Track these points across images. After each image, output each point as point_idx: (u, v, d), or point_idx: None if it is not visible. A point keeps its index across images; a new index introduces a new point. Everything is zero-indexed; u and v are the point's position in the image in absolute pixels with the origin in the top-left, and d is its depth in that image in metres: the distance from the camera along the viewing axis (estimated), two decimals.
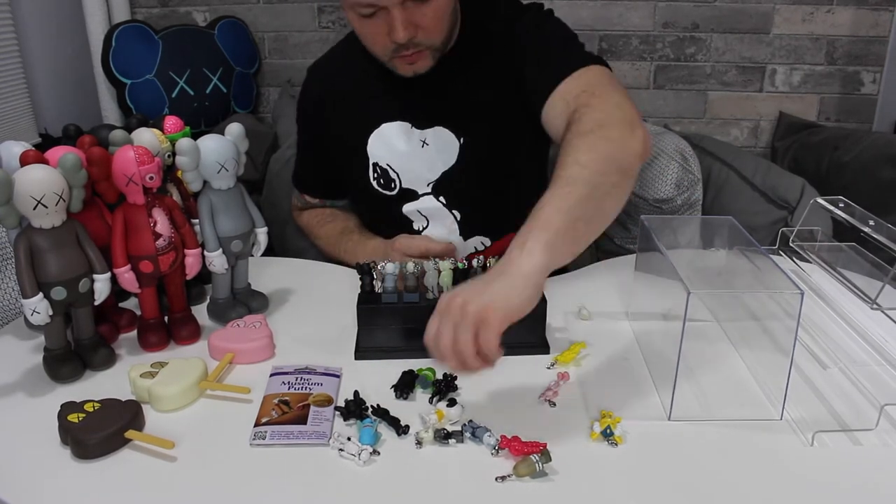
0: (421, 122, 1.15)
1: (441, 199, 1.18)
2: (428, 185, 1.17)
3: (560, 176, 0.81)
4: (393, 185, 1.18)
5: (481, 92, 1.14)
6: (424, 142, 1.15)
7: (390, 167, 1.18)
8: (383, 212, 1.22)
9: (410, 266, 0.90)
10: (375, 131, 1.17)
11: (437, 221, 1.20)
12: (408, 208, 1.19)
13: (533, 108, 1.05)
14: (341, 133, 1.21)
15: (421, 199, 1.18)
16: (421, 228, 1.20)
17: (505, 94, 1.12)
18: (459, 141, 1.14)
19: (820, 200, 1.04)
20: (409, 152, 1.16)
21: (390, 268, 0.91)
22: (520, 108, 1.10)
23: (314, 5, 2.09)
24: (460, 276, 0.91)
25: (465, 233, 1.20)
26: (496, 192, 1.19)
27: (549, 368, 0.89)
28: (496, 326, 0.71)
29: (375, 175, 1.19)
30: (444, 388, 0.83)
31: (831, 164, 1.73)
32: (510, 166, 1.18)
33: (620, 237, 1.60)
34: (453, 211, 1.18)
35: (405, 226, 1.21)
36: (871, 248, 0.95)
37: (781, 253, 1.09)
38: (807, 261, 1.05)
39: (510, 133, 1.16)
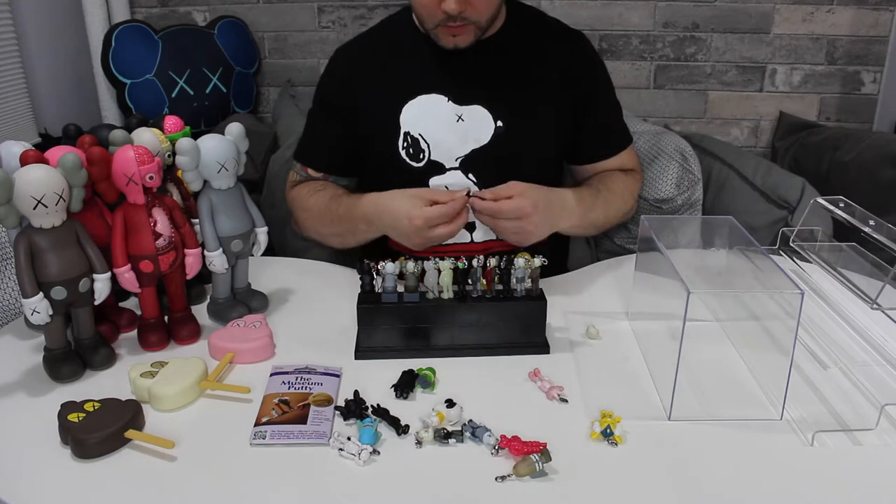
0: (459, 98, 1.18)
1: (471, 176, 1.19)
2: (456, 161, 1.19)
3: (607, 188, 1.23)
4: (422, 157, 1.20)
5: (523, 81, 1.20)
6: (460, 117, 1.18)
7: (422, 137, 1.19)
8: (407, 183, 1.18)
9: (410, 266, 0.90)
10: (411, 101, 1.19)
11: None
12: (435, 181, 1.20)
13: (574, 148, 1.29)
14: (371, 104, 1.22)
15: (447, 173, 1.19)
16: None
17: (548, 96, 1.21)
18: (496, 123, 1.18)
19: (820, 200, 1.04)
20: (443, 124, 1.18)
21: (390, 268, 0.91)
22: (556, 119, 1.22)
23: (314, 5, 2.09)
24: (460, 275, 0.91)
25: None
26: (523, 180, 1.19)
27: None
28: (534, 234, 1.08)
29: (405, 145, 1.20)
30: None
31: (831, 164, 1.73)
32: (539, 159, 1.23)
33: (620, 237, 1.60)
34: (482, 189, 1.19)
35: None
36: (871, 248, 0.95)
37: (782, 253, 1.09)
38: (807, 261, 1.05)
39: (545, 130, 1.23)
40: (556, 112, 1.22)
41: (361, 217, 1.15)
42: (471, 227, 1.21)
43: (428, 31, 1.14)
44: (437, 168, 1.19)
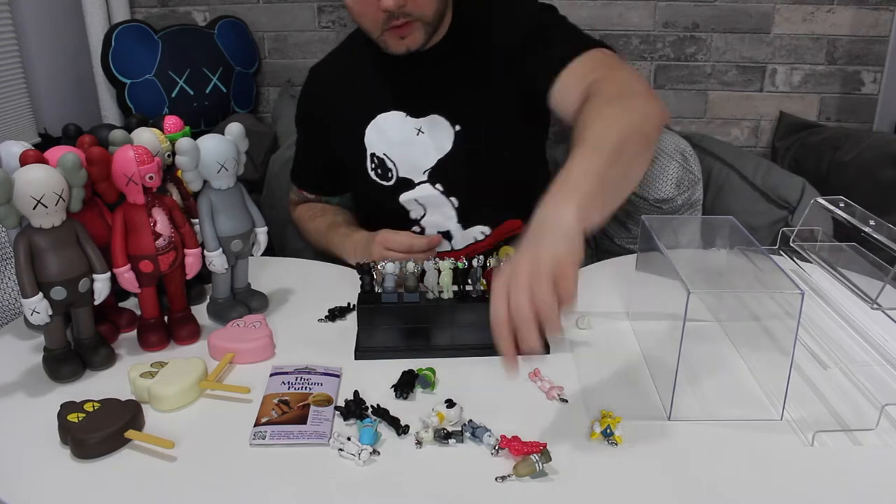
0: (415, 111, 1.17)
1: (438, 186, 1.18)
2: (424, 173, 1.18)
3: (586, 139, 0.80)
4: (390, 175, 1.19)
5: (475, 79, 1.15)
6: (420, 130, 1.17)
7: (387, 156, 1.19)
8: (381, 203, 1.22)
9: (410, 266, 0.90)
10: (372, 122, 1.19)
11: (434, 209, 1.20)
12: (405, 197, 1.20)
13: (537, 87, 1.05)
14: (341, 127, 1.23)
15: (417, 187, 1.19)
16: (419, 217, 1.21)
17: (500, 80, 1.13)
18: (454, 128, 1.16)
19: (820, 200, 1.04)
20: (404, 141, 1.17)
21: (390, 268, 0.91)
22: (516, 94, 1.12)
23: (314, 5, 2.09)
24: (460, 275, 0.91)
25: (464, 220, 1.21)
26: (494, 179, 1.19)
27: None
28: (573, 272, 0.68)
29: (373, 165, 1.20)
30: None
31: (832, 164, 1.73)
32: (507, 152, 1.19)
33: (620, 237, 1.60)
34: (451, 198, 1.19)
35: (403, 216, 1.22)
36: (871, 248, 0.95)
37: (782, 253, 1.09)
38: (807, 261, 1.05)
39: (506, 119, 1.16)
40: (512, 96, 1.13)
41: (351, 250, 1.19)
42: (448, 236, 1.22)
43: (377, 40, 1.10)
44: (407, 184, 1.20)
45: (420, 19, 1.06)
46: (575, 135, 0.84)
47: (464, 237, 1.21)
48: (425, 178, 1.19)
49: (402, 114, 1.17)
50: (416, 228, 1.23)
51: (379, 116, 1.18)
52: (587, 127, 0.83)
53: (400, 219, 1.22)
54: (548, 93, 1.04)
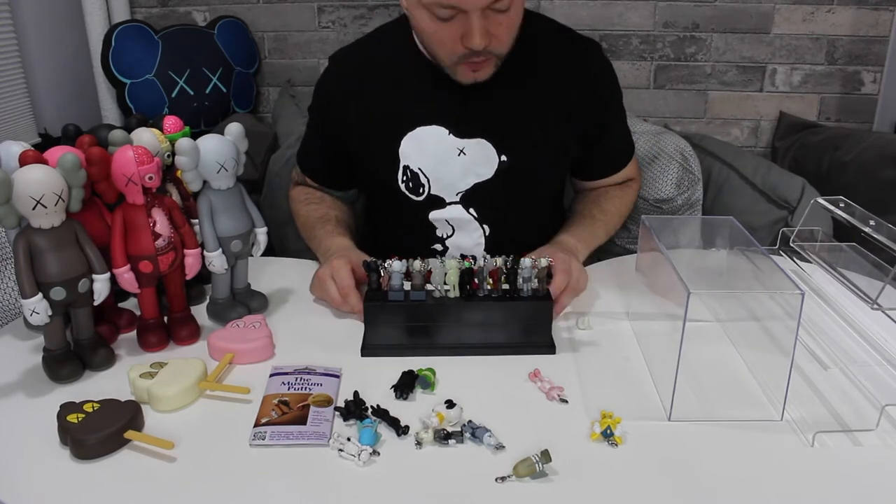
0: (461, 131, 1.13)
1: (472, 211, 1.17)
2: (457, 195, 1.16)
3: (603, 209, 1.24)
4: (421, 191, 1.16)
5: (531, 114, 1.14)
6: (462, 151, 1.13)
7: (422, 171, 1.15)
8: (408, 216, 1.19)
9: (417, 264, 0.90)
10: (410, 133, 1.14)
11: (464, 232, 1.19)
12: (435, 216, 1.18)
13: (584, 172, 1.27)
14: (368, 131, 1.17)
15: (448, 207, 1.17)
16: (445, 236, 1.20)
17: (558, 125, 1.15)
18: (500, 157, 1.13)
19: (820, 200, 1.04)
20: (443, 158, 1.14)
21: (397, 266, 0.91)
22: (567, 147, 1.18)
23: (314, 5, 2.09)
24: (466, 274, 0.91)
25: (491, 249, 1.20)
26: (527, 215, 1.19)
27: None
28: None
29: (405, 178, 1.16)
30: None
31: (832, 164, 1.73)
32: (544, 192, 1.20)
33: (620, 237, 1.59)
34: (483, 225, 1.18)
35: (428, 232, 1.19)
36: (871, 248, 0.95)
37: (782, 253, 1.09)
38: (807, 261, 1.05)
39: (552, 162, 1.19)
40: (564, 140, 1.17)
41: (323, 253, 1.14)
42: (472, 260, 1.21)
43: (444, 66, 1.07)
44: (438, 202, 1.17)
45: (497, 55, 1.05)
46: (589, 202, 1.25)
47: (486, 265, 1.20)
48: (457, 199, 1.16)
49: (444, 130, 1.13)
50: (438, 246, 1.20)
51: (419, 129, 1.14)
52: (597, 205, 1.24)
53: (426, 234, 1.20)
54: (583, 179, 1.29)
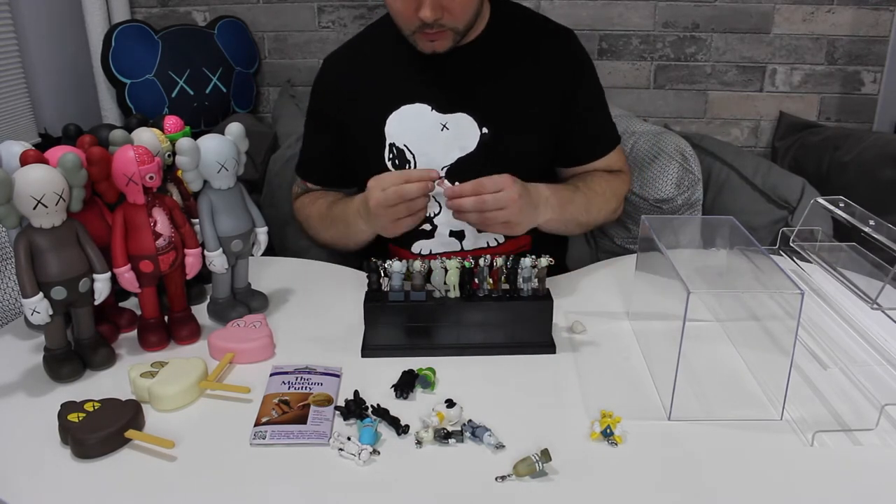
0: (443, 106, 1.17)
1: (457, 183, 1.17)
2: (442, 170, 1.18)
3: (587, 184, 1.21)
4: (408, 167, 1.19)
5: (511, 87, 1.17)
6: (445, 126, 1.16)
7: (407, 147, 1.18)
8: None
9: (417, 265, 0.90)
10: (395, 112, 1.18)
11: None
12: None
13: (564, 157, 1.26)
14: (360, 115, 1.21)
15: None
16: (433, 214, 1.21)
17: (539, 100, 1.18)
18: (482, 130, 1.16)
19: (820, 200, 1.04)
20: (427, 134, 1.17)
21: (397, 266, 0.91)
22: (549, 123, 1.20)
23: (314, 5, 2.09)
24: (466, 274, 0.92)
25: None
26: None
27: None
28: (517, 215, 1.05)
29: (391, 156, 1.19)
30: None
31: (832, 164, 1.73)
32: (528, 164, 1.20)
33: (621, 237, 1.60)
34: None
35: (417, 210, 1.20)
36: (871, 248, 0.95)
37: (782, 253, 1.09)
38: (807, 261, 1.05)
39: (533, 134, 1.20)
40: (543, 114, 1.20)
41: (355, 212, 1.16)
42: (460, 236, 1.21)
43: (406, 36, 1.12)
44: None
45: (452, 29, 1.09)
46: (576, 178, 1.24)
47: (476, 240, 1.20)
48: (443, 174, 1.18)
49: (427, 107, 1.17)
50: (426, 226, 1.22)
51: (403, 107, 1.18)
52: (582, 180, 1.23)
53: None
54: (564, 166, 1.29)
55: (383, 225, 1.08)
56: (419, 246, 1.23)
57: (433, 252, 1.22)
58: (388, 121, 1.18)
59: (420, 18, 1.04)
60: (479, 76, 1.17)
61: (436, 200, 1.20)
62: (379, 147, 1.19)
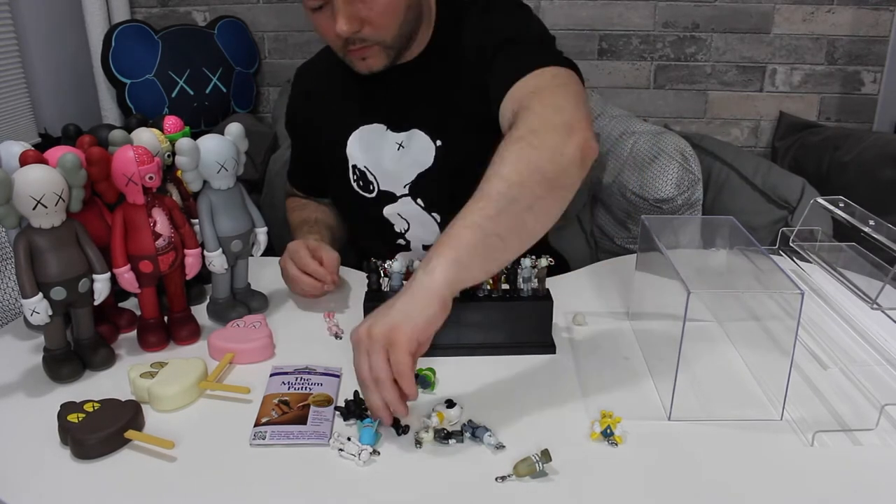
0: (397, 125, 1.15)
1: (419, 201, 1.17)
2: (405, 187, 1.17)
3: (480, 189, 0.79)
4: (371, 188, 1.18)
5: (455, 94, 1.11)
6: (401, 144, 1.15)
7: (367, 169, 1.17)
8: (364, 214, 1.21)
9: (417, 265, 0.90)
10: (354, 133, 1.17)
11: (417, 224, 1.19)
12: (388, 211, 1.19)
13: (491, 106, 1.00)
14: (323, 134, 1.22)
15: (399, 201, 1.18)
16: (403, 231, 1.20)
17: (478, 94, 1.04)
18: (435, 144, 1.13)
19: (820, 200, 1.04)
20: (385, 154, 1.16)
21: (397, 266, 0.91)
22: (490, 109, 1.02)
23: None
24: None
25: None
26: (472, 192, 1.16)
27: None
28: (404, 345, 0.71)
29: (355, 177, 1.19)
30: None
31: (832, 164, 1.73)
32: (484, 169, 1.11)
33: (621, 237, 1.60)
34: (432, 213, 1.18)
35: (386, 228, 1.21)
36: (871, 248, 0.95)
37: (782, 253, 1.09)
38: (807, 261, 1.05)
39: (487, 135, 0.98)
40: (490, 112, 1.01)
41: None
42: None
43: (342, 58, 1.07)
44: (389, 197, 1.18)
45: (379, 43, 1.03)
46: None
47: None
48: (406, 191, 1.17)
49: (383, 127, 1.16)
50: (401, 241, 1.21)
51: (362, 128, 1.17)
52: (487, 170, 0.80)
53: (385, 231, 1.21)
54: (498, 116, 0.99)
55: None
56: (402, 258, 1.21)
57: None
58: (349, 142, 1.18)
59: (336, 34, 0.98)
60: (424, 91, 1.12)
61: (401, 217, 1.19)
62: (343, 170, 1.19)
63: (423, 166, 1.14)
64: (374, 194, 1.19)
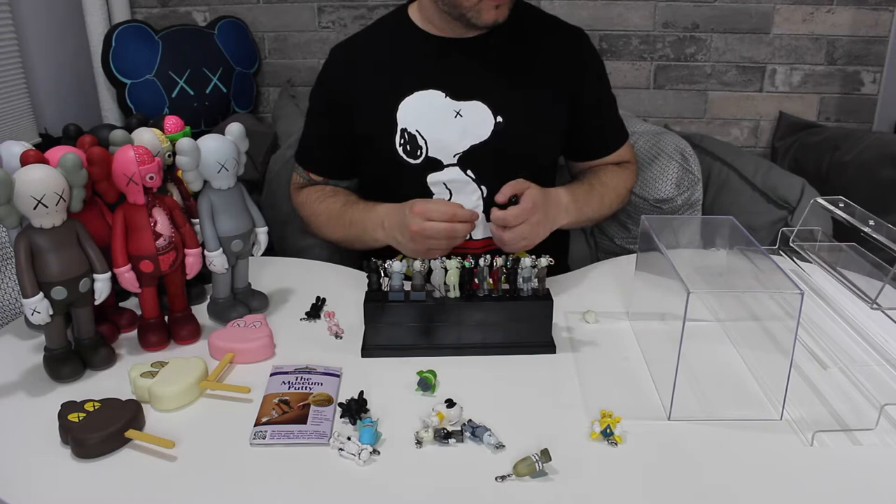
0: (457, 93, 1.17)
1: (469, 172, 1.19)
2: (454, 157, 1.18)
3: (594, 185, 1.26)
4: (419, 153, 1.19)
5: (526, 79, 1.20)
6: (458, 113, 1.17)
7: (419, 133, 1.18)
8: (406, 182, 1.20)
9: (417, 265, 0.91)
10: (407, 98, 1.18)
11: (462, 195, 1.20)
12: (433, 178, 1.19)
13: (577, 151, 1.31)
14: (369, 101, 1.21)
15: (445, 170, 1.19)
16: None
17: (552, 94, 1.21)
18: (496, 119, 1.17)
19: (820, 200, 1.04)
20: (440, 120, 1.17)
21: (397, 266, 0.91)
22: (561, 117, 1.24)
23: (314, 5, 2.09)
24: (466, 274, 0.92)
25: (488, 210, 1.18)
26: (523, 175, 1.16)
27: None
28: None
29: (402, 141, 1.19)
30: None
31: (831, 164, 1.73)
32: (538, 155, 1.23)
33: (621, 237, 1.60)
34: (482, 186, 1.19)
35: (426, 196, 1.20)
36: (871, 248, 0.95)
37: (781, 253, 1.09)
38: (807, 261, 1.05)
39: (544, 126, 1.23)
40: (556, 107, 1.22)
41: (376, 223, 1.15)
42: None
43: (464, 12, 1.10)
44: (435, 164, 1.19)
45: None
46: (588, 174, 1.29)
47: (485, 228, 1.20)
48: (454, 161, 1.18)
49: (441, 94, 1.18)
50: None
51: (417, 93, 1.18)
52: (596, 176, 1.28)
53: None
54: (576, 160, 1.34)
55: (413, 248, 1.06)
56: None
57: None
58: (401, 107, 1.18)
59: None
60: (495, 66, 1.19)
61: (445, 187, 1.20)
62: (389, 133, 1.19)
63: (478, 139, 1.18)
64: (419, 160, 1.19)
